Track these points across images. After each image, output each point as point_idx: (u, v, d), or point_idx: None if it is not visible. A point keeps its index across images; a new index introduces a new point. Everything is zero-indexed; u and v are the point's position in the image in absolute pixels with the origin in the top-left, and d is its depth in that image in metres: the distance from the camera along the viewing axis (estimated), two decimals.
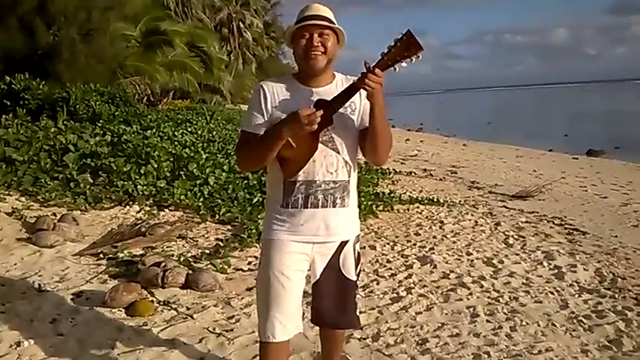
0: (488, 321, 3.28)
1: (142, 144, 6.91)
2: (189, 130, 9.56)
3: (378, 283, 3.92)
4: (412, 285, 3.88)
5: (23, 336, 2.90)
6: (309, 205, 2.01)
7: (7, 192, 5.68)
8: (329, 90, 2.00)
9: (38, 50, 10.51)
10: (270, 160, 1.98)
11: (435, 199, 6.70)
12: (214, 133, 9.84)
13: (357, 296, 2.24)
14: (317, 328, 2.39)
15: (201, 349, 2.86)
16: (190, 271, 3.83)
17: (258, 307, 2.09)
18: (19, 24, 10.34)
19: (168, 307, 3.38)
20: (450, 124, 28.35)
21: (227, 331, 3.08)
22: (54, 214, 5.18)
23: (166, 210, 5.73)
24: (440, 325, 3.22)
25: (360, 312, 2.60)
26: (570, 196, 7.74)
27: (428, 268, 4.23)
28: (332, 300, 2.13)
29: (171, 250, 4.49)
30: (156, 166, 6.39)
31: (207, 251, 4.49)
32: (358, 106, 2.03)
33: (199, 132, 9.52)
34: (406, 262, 4.40)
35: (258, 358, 2.51)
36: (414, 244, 4.88)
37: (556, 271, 4.17)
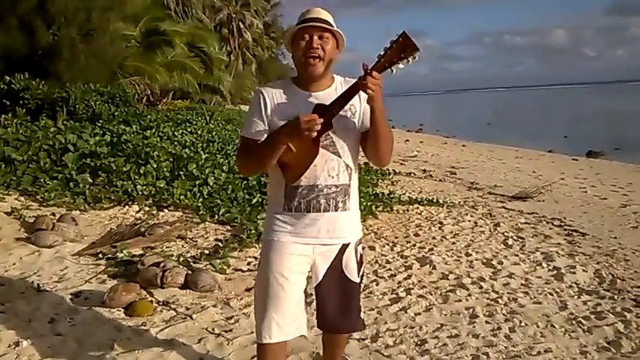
0: (487, 322, 3.28)
1: (141, 144, 6.91)
2: (189, 130, 9.56)
3: (377, 284, 3.92)
4: (411, 286, 3.88)
5: (22, 336, 2.90)
6: (311, 210, 2.01)
7: (6, 192, 5.68)
8: (328, 94, 2.00)
9: (38, 50, 10.51)
10: (271, 166, 1.99)
11: (435, 200, 6.70)
12: (214, 133, 9.84)
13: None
14: (316, 328, 2.38)
15: (200, 350, 2.86)
16: (189, 272, 3.83)
17: (256, 307, 2.09)
18: (19, 24, 10.34)
19: (168, 308, 3.38)
20: (449, 125, 28.36)
21: (226, 331, 3.08)
22: (53, 214, 5.17)
23: (166, 210, 5.73)
24: (439, 325, 3.22)
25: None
26: (570, 197, 7.74)
27: (427, 269, 4.23)
28: (335, 303, 2.12)
29: (170, 251, 4.48)
30: (155, 166, 6.39)
31: (207, 251, 4.48)
32: (358, 109, 2.03)
33: (199, 132, 9.52)
34: (405, 262, 4.40)
35: (256, 359, 2.51)
36: (414, 245, 4.88)
37: (555, 272, 4.17)
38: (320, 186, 2.00)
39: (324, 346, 2.44)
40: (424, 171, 9.99)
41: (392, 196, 6.64)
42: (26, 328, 2.99)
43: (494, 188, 8.23)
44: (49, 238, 4.43)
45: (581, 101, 62.17)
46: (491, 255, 4.61)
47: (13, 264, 4.04)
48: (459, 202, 6.89)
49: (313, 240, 2.04)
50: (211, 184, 6.29)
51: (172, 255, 4.30)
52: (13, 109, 8.63)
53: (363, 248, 2.25)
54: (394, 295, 3.70)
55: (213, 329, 3.10)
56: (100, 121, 8.51)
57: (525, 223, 5.80)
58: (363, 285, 2.22)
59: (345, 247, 2.09)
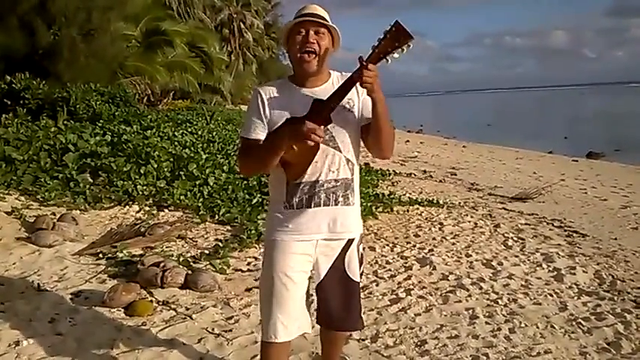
0: (487, 323, 3.28)
1: (141, 144, 6.92)
2: (189, 130, 9.57)
3: (377, 285, 3.92)
4: (411, 286, 3.88)
5: (22, 335, 2.90)
6: (312, 205, 2.01)
7: (6, 191, 5.68)
8: (325, 89, 2.00)
9: (39, 50, 10.51)
10: (273, 166, 1.98)
11: (435, 201, 6.70)
12: (214, 133, 9.84)
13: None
14: (316, 328, 2.39)
15: (200, 350, 2.86)
16: (189, 272, 3.83)
17: (261, 307, 2.09)
18: (20, 23, 10.34)
19: (168, 307, 3.38)
20: (450, 126, 28.36)
21: (226, 331, 3.08)
22: (53, 214, 5.17)
23: (166, 210, 5.73)
24: (439, 326, 3.22)
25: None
26: (570, 199, 7.74)
27: (427, 270, 4.23)
28: (337, 301, 2.13)
29: (170, 251, 4.49)
30: (156, 166, 6.39)
31: (207, 251, 4.49)
32: (357, 102, 2.03)
33: (199, 132, 9.52)
34: (405, 263, 4.40)
35: (257, 358, 2.51)
36: (414, 246, 4.88)
37: (555, 273, 4.17)
38: (321, 181, 2.00)
39: (322, 344, 2.44)
40: (424, 172, 9.98)
41: (392, 196, 6.64)
42: (26, 328, 2.99)
43: (495, 189, 8.23)
44: (49, 238, 4.43)
45: (581, 102, 62.16)
46: (491, 256, 4.61)
47: (14, 263, 4.04)
48: (459, 202, 6.89)
49: (315, 236, 2.04)
50: (211, 184, 6.29)
51: (172, 255, 4.31)
52: (14, 108, 8.64)
53: (364, 248, 2.25)
54: (394, 296, 3.70)
55: (213, 329, 3.10)
56: (101, 121, 8.51)
57: (525, 224, 5.80)
58: (362, 284, 2.22)
59: (350, 242, 2.09)
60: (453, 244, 4.96)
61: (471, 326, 3.23)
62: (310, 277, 2.12)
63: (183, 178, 6.34)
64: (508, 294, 3.74)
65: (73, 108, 8.91)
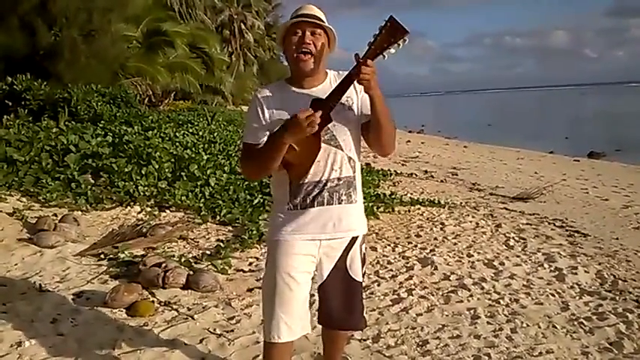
0: (488, 323, 3.28)
1: (143, 145, 6.92)
2: (191, 131, 9.58)
3: (378, 285, 3.92)
4: (413, 286, 3.88)
5: (24, 336, 2.90)
6: (315, 204, 2.02)
7: (8, 192, 5.69)
8: (322, 89, 2.00)
9: (39, 51, 10.53)
10: (276, 168, 1.98)
11: (436, 201, 6.69)
12: (215, 134, 9.84)
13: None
14: (318, 328, 2.39)
15: (202, 350, 2.86)
16: (191, 272, 3.83)
17: (264, 307, 2.09)
18: (20, 24, 10.37)
19: (169, 308, 3.39)
20: (451, 126, 28.35)
21: (228, 331, 3.08)
22: (55, 215, 5.18)
23: (167, 211, 5.73)
24: (440, 326, 3.22)
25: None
26: (571, 198, 7.73)
27: (429, 270, 4.23)
28: (339, 301, 2.13)
29: (172, 251, 4.49)
30: (157, 166, 6.39)
31: (208, 252, 4.49)
32: (356, 100, 2.03)
33: (200, 133, 9.53)
34: (407, 263, 4.40)
35: (259, 358, 2.51)
36: (415, 246, 4.88)
37: (557, 273, 4.16)
38: (324, 180, 2.01)
39: (323, 344, 2.45)
40: (426, 172, 9.98)
41: (393, 196, 6.63)
42: (28, 329, 2.99)
43: (496, 189, 8.22)
44: (51, 239, 4.44)
45: (581, 102, 62.10)
46: (492, 256, 4.60)
47: (15, 264, 4.05)
48: (461, 202, 6.88)
49: (318, 235, 2.04)
50: (213, 184, 6.30)
51: (174, 255, 4.31)
52: (15, 109, 8.66)
53: (366, 248, 2.26)
54: (396, 296, 3.70)
55: (214, 329, 3.10)
56: (102, 121, 8.51)
57: (527, 223, 5.80)
58: (363, 284, 2.23)
59: (353, 241, 2.09)
60: (455, 244, 4.96)
61: (473, 326, 3.23)
62: (313, 279, 2.12)
63: (185, 178, 6.35)
64: (510, 294, 3.74)
65: (75, 109, 8.93)
